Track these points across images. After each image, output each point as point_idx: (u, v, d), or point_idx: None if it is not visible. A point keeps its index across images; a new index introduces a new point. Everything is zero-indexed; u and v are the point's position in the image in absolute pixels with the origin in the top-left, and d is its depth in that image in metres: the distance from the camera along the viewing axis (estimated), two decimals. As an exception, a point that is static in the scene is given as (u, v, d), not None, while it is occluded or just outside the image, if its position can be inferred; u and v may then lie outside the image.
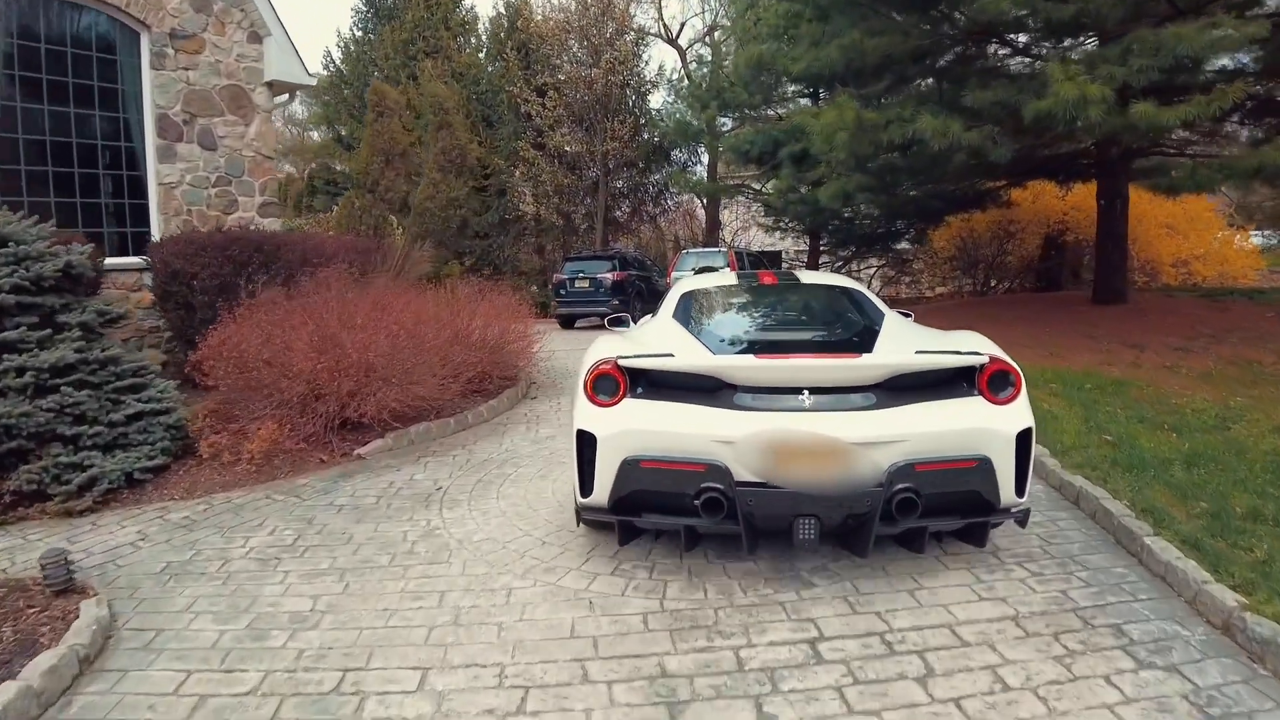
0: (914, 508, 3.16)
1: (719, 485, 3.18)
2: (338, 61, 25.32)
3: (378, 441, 6.15)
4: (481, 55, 24.41)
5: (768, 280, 4.93)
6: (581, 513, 3.61)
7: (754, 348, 3.79)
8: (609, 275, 16.29)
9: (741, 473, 3.20)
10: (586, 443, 3.40)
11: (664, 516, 3.44)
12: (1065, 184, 14.91)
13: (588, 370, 3.53)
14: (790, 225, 22.26)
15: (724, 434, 3.22)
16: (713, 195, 21.03)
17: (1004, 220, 18.78)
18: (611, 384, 3.46)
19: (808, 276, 5.10)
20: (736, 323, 4.46)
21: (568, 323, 16.83)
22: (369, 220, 10.54)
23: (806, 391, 3.31)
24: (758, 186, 20.93)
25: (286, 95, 10.99)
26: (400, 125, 11.06)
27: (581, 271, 16.52)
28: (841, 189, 10.70)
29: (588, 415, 3.44)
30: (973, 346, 3.57)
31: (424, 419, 6.67)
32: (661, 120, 22.36)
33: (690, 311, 4.40)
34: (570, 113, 21.31)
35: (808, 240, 22.04)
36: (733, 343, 3.91)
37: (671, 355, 3.51)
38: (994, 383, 3.40)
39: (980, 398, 3.39)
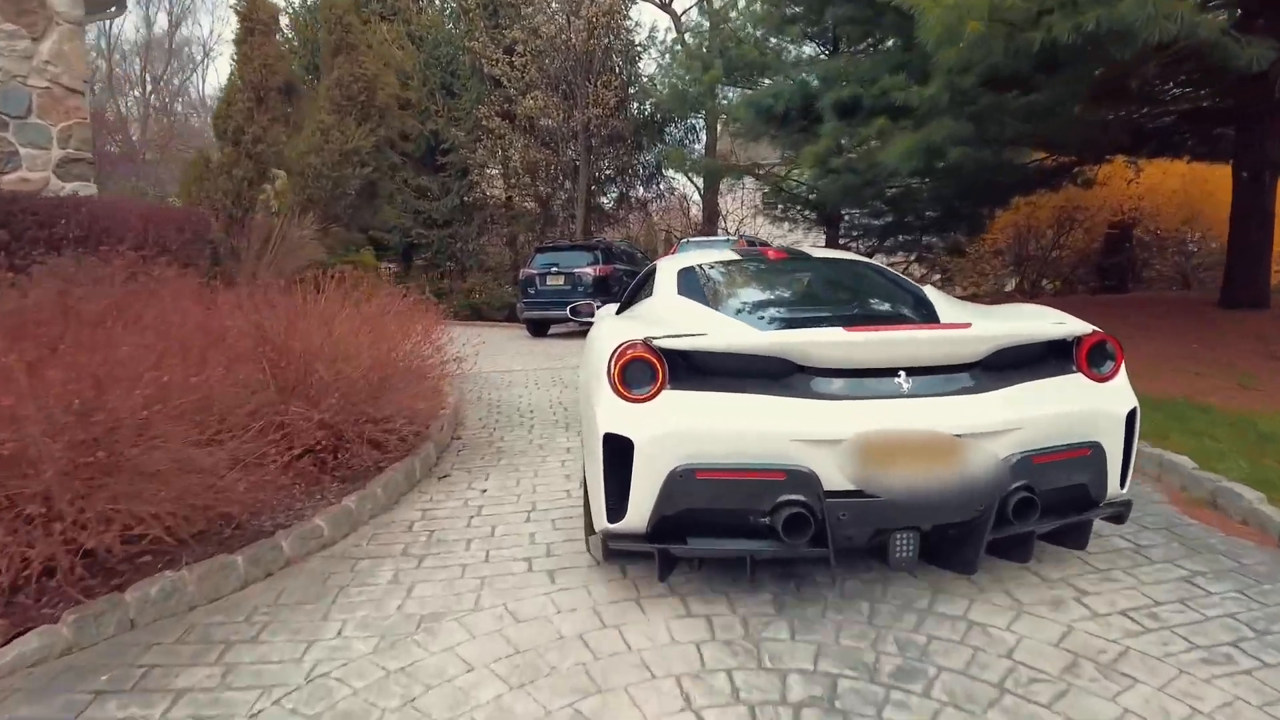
0: (1032, 509, 2.67)
1: (805, 498, 2.56)
2: (285, 30, 21.71)
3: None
4: (446, 15, 20.92)
5: (776, 255, 4.34)
6: (608, 543, 2.77)
7: (817, 323, 3.18)
8: (590, 270, 13.08)
9: (831, 480, 2.59)
10: (617, 450, 2.65)
11: (719, 541, 2.72)
12: (1184, 155, 11.61)
13: (613, 355, 2.74)
14: (802, 214, 18.96)
15: (812, 432, 2.60)
16: (714, 177, 17.57)
17: (1070, 206, 15.70)
18: (646, 371, 2.72)
19: (817, 251, 4.76)
20: (767, 299, 3.77)
21: (538, 329, 13.51)
22: (227, 185, 7.17)
23: (903, 373, 2.71)
24: (773, 161, 17.50)
25: (112, 6, 7.53)
26: (279, 49, 7.66)
27: (555, 265, 13.21)
28: (924, 142, 7.32)
29: (618, 414, 2.69)
30: (1057, 317, 3.14)
31: (217, 534, 3.32)
32: (654, 87, 18.93)
33: (700, 288, 3.71)
34: (545, 76, 17.83)
35: (824, 231, 18.73)
36: (779, 321, 3.31)
37: (704, 335, 2.84)
38: (1094, 357, 3.00)
39: (1080, 375, 2.98)
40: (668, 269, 4.07)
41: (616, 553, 2.83)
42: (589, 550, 3.30)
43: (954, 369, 2.82)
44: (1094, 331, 3.00)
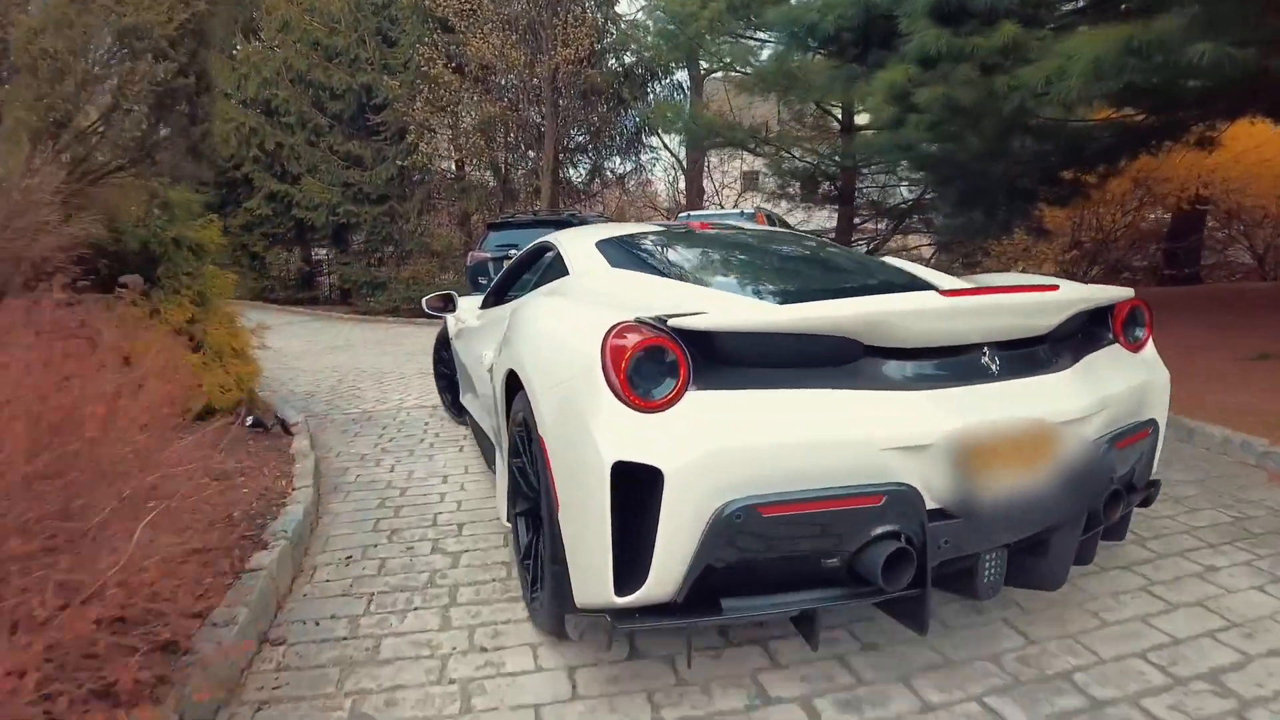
0: (1119, 501, 2.29)
1: (907, 526, 1.92)
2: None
3: None
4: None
5: (706, 227, 3.56)
6: (617, 621, 1.92)
7: (820, 295, 2.28)
8: None
9: (930, 496, 1.98)
10: (635, 486, 1.83)
11: (770, 598, 1.96)
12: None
13: (606, 343, 1.90)
14: (811, 192, 15.94)
15: (906, 435, 1.94)
16: (708, 139, 14.30)
17: (1146, 177, 12.92)
18: (663, 365, 1.89)
19: (748, 224, 4.35)
20: (745, 272, 2.96)
21: (492, 334, 10.31)
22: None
23: (987, 350, 2.16)
24: (776, 125, 14.41)
25: None
26: None
27: (515, 246, 9.93)
28: (1134, 41, 4.28)
29: (630, 432, 1.85)
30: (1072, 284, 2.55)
31: None
32: (636, 32, 15.63)
33: (642, 261, 2.92)
34: (501, 14, 14.40)
35: (836, 208, 15.73)
36: (788, 295, 2.56)
37: (746, 312, 2.16)
38: (1128, 325, 2.64)
39: (1118, 345, 2.60)
40: (578, 241, 3.22)
41: (627, 630, 2.18)
42: (535, 624, 2.31)
43: (1031, 342, 2.30)
44: (1130, 296, 2.58)
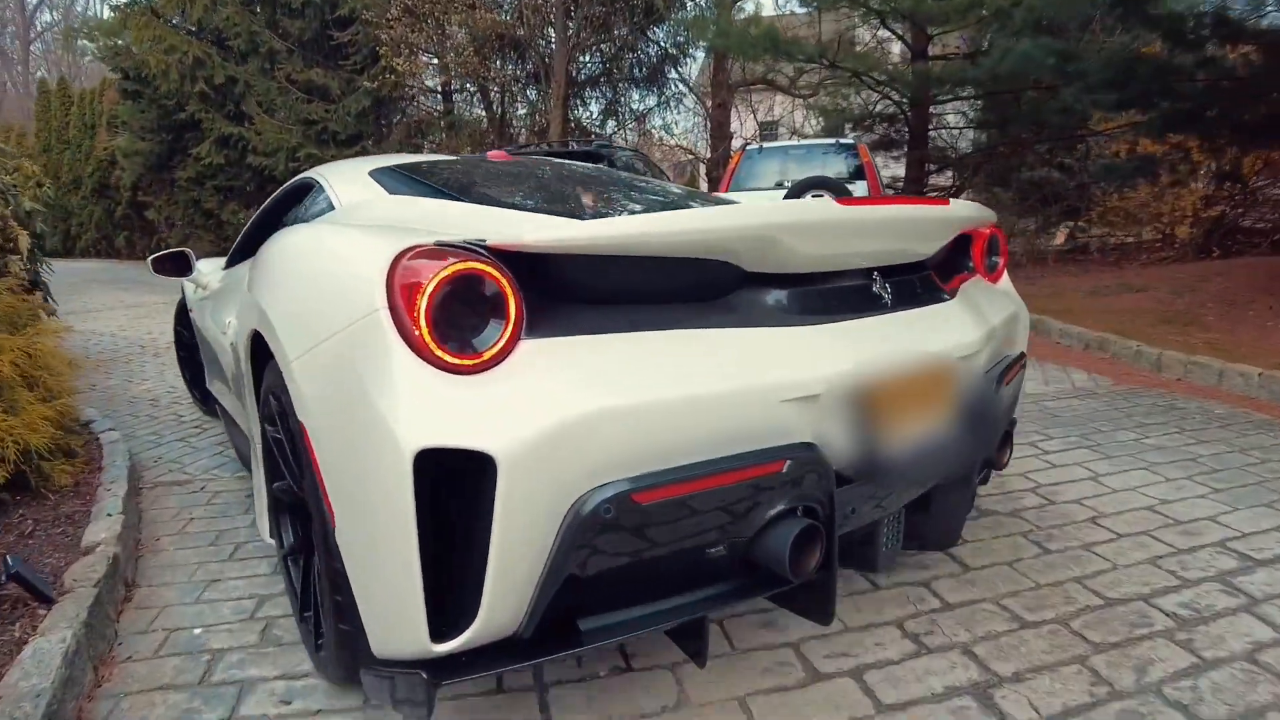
0: (1009, 442, 2.17)
1: (813, 497, 1.54)
2: None
3: None
4: None
5: (500, 157, 3.05)
6: (436, 676, 1.33)
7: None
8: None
9: (835, 455, 1.61)
10: (453, 482, 1.29)
11: (644, 608, 1.48)
12: None
13: (394, 277, 1.32)
14: (867, 131, 13.07)
15: (803, 379, 1.55)
16: (756, 54, 11.22)
17: None
18: (484, 302, 1.33)
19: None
20: (546, 197, 2.50)
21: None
22: None
23: (876, 275, 1.87)
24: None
25: None
26: None
27: (524, 187, 7.18)
28: None
29: (438, 403, 1.27)
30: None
31: None
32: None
33: (427, 185, 2.34)
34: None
35: (903, 154, 12.94)
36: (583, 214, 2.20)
37: (593, 221, 1.46)
38: (987, 253, 2.44)
39: (978, 276, 2.39)
40: (346, 171, 2.62)
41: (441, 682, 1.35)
42: (326, 678, 1.73)
43: (914, 268, 2.05)
44: (991, 220, 2.31)
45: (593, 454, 1.31)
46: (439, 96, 14.05)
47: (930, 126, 13.29)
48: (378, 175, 2.48)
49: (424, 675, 1.31)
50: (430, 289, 1.28)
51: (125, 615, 2.30)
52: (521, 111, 14.63)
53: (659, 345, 1.47)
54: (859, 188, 7.31)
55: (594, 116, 15.48)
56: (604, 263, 1.44)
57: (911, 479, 1.83)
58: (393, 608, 1.33)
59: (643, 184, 2.90)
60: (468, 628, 1.30)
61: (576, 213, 2.18)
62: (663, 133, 16.96)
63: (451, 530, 1.30)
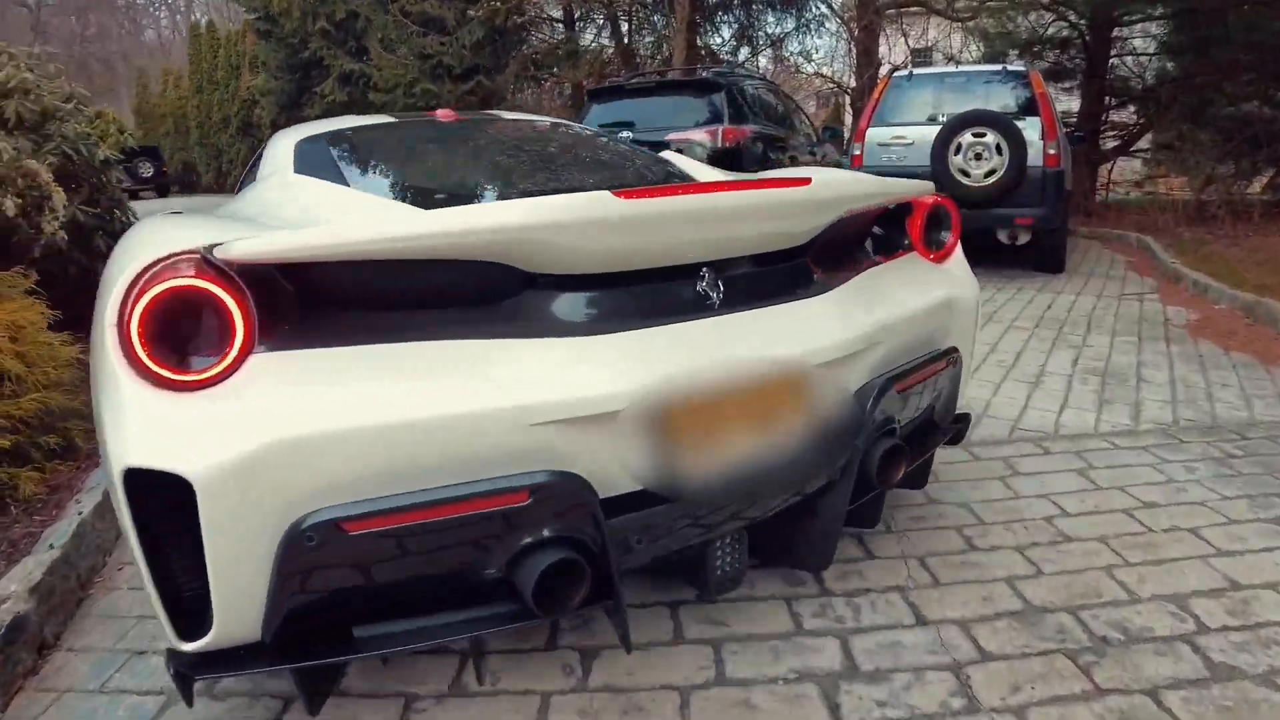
0: (899, 459, 1.82)
1: (570, 529, 1.45)
2: None
3: None
4: None
5: (450, 118, 2.79)
6: (190, 671, 1.39)
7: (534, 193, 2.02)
8: (700, 134, 6.40)
9: (611, 480, 1.50)
10: (162, 502, 1.31)
11: (424, 620, 1.47)
12: None
13: (130, 284, 1.32)
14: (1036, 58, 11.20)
15: (574, 399, 1.43)
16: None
17: None
18: (207, 317, 1.35)
19: (510, 114, 3.15)
20: (451, 173, 2.44)
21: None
22: None
23: (707, 272, 1.64)
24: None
25: None
26: None
27: (631, 122, 6.47)
28: None
29: (151, 422, 1.30)
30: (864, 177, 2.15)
31: None
32: None
33: (334, 161, 2.27)
34: None
35: (1078, 85, 11.08)
36: (477, 199, 2.08)
37: (336, 226, 1.43)
38: (930, 228, 2.21)
39: (915, 254, 2.19)
40: (281, 141, 2.52)
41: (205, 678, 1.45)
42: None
43: (778, 258, 1.79)
44: (929, 191, 2.16)
45: (307, 477, 1.29)
46: (559, 26, 13.22)
47: (1112, 52, 11.31)
48: (301, 147, 2.34)
49: (172, 667, 1.37)
50: (143, 306, 1.28)
51: (20, 697, 1.78)
52: (649, 39, 13.64)
53: (410, 359, 1.40)
54: (1029, 125, 5.99)
55: (725, 42, 14.25)
56: (360, 268, 1.39)
57: (733, 503, 1.64)
58: (152, 606, 1.38)
59: (589, 152, 2.61)
60: (209, 632, 1.34)
61: (474, 196, 2.01)
62: (800, 60, 15.43)
63: (177, 543, 1.33)
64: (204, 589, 1.30)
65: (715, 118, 6.58)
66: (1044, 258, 6.37)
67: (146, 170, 23.67)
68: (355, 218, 1.74)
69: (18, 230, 4.08)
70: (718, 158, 6.40)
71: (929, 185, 2.16)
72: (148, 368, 1.28)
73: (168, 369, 1.28)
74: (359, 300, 1.44)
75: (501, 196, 2.02)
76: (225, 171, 22.52)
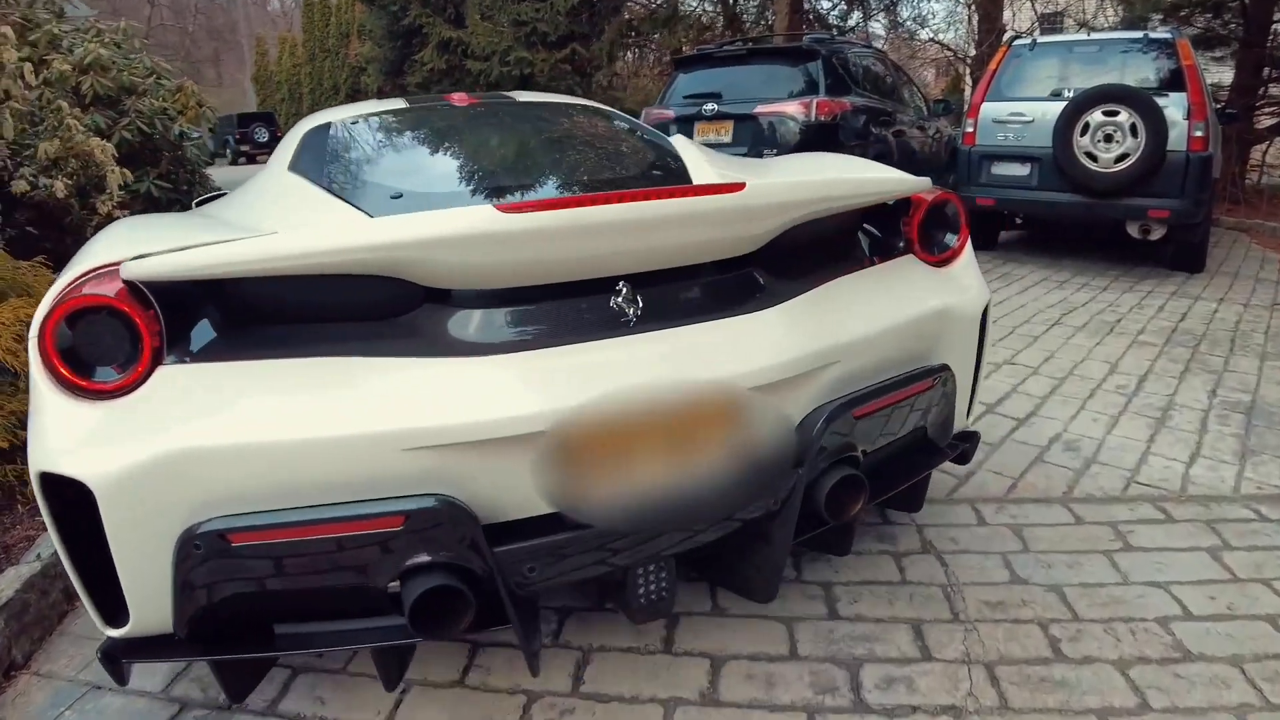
0: (856, 491, 1.68)
1: (450, 554, 1.44)
2: None
3: None
4: None
5: (467, 101, 2.68)
6: (119, 655, 1.50)
7: (484, 194, 1.97)
8: (794, 106, 5.91)
9: (501, 505, 1.50)
10: (70, 505, 1.40)
11: (340, 624, 1.54)
12: None
13: (55, 296, 1.43)
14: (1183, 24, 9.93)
15: (456, 425, 1.42)
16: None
17: None
18: (115, 332, 1.42)
19: (535, 96, 2.88)
20: (425, 166, 2.29)
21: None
22: None
23: (625, 286, 1.55)
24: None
25: None
26: None
27: (718, 93, 5.94)
28: None
29: (60, 430, 1.41)
30: (873, 169, 2.13)
31: None
32: None
33: (325, 157, 2.19)
34: None
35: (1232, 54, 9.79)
36: (427, 196, 1.92)
37: (273, 234, 1.48)
38: (929, 228, 2.02)
39: (913, 258, 2.00)
40: (297, 129, 2.44)
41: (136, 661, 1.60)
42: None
43: (716, 268, 1.66)
44: (930, 188, 1.96)
45: (199, 488, 1.36)
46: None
47: (1276, 16, 9.91)
48: (308, 137, 2.25)
49: (99, 651, 1.48)
50: (60, 318, 1.37)
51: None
52: (754, 3, 12.98)
53: (303, 375, 1.43)
54: (1173, 103, 5.18)
55: (834, 6, 13.41)
56: (264, 284, 1.44)
57: (651, 530, 1.54)
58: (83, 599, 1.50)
59: (589, 144, 2.47)
60: (129, 622, 1.44)
61: (434, 197, 1.91)
62: (915, 26, 14.39)
63: (90, 542, 1.39)
64: (117, 584, 1.40)
65: (810, 89, 6.06)
66: (1181, 254, 5.57)
67: (262, 135, 24.73)
68: (298, 230, 1.64)
69: (71, 211, 4.08)
70: (811, 132, 5.91)
71: (924, 181, 1.94)
72: (62, 376, 1.37)
73: (78, 380, 1.37)
74: (265, 315, 1.48)
75: (463, 198, 1.97)
76: (335, 137, 23.21)
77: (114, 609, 1.45)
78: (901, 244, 2.00)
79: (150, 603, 1.42)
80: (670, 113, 6.36)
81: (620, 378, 1.46)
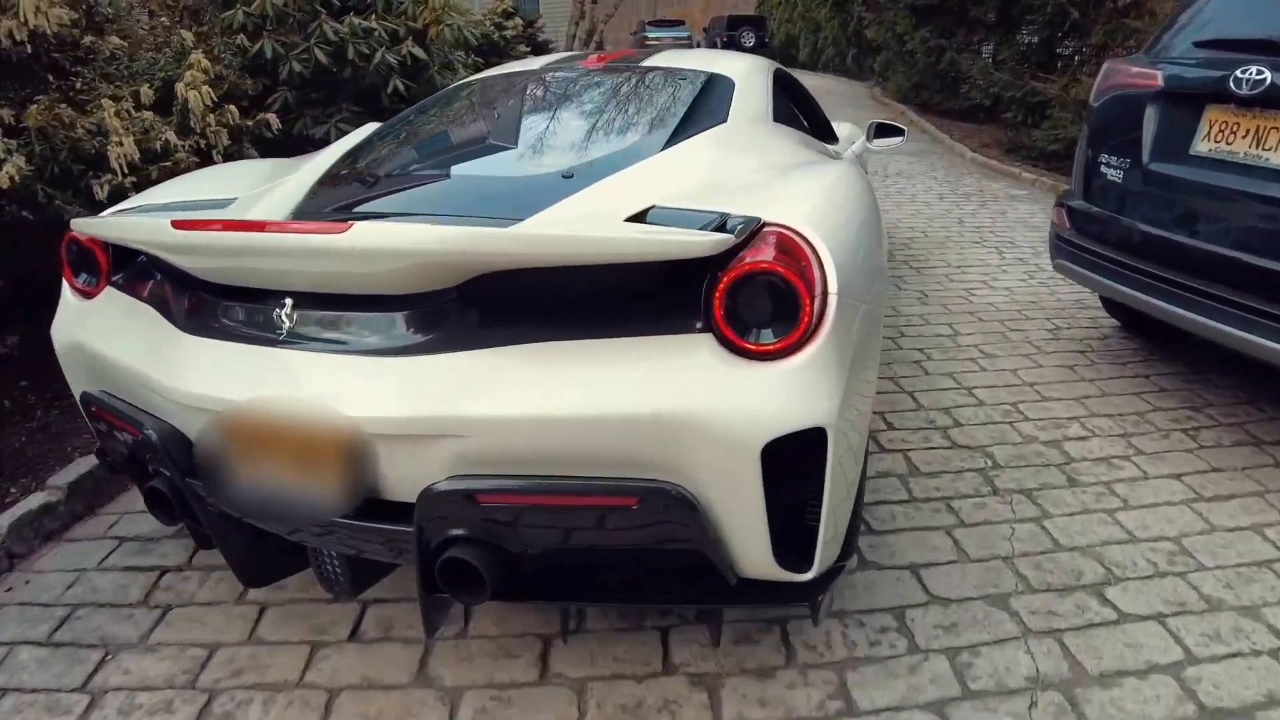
0: (464, 575, 1.62)
1: (163, 468, 1.81)
2: None
3: None
4: None
5: (597, 63, 2.92)
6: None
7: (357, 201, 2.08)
8: None
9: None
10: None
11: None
12: None
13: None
14: None
15: (155, 376, 1.77)
16: None
17: None
18: (86, 258, 2.03)
19: (681, 58, 2.93)
20: (435, 144, 2.53)
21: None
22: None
23: (289, 303, 1.67)
24: None
25: None
26: None
27: (1256, 51, 2.79)
28: None
29: (62, 307, 2.09)
30: (760, 204, 1.66)
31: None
32: None
33: (407, 122, 2.68)
34: None
35: None
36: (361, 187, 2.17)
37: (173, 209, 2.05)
38: (745, 302, 1.49)
39: (711, 339, 1.51)
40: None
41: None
42: None
43: (400, 303, 1.62)
44: (771, 229, 1.53)
45: (89, 364, 1.94)
46: None
47: None
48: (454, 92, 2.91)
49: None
50: (66, 240, 2.04)
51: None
52: None
53: (145, 317, 1.86)
54: None
55: None
56: (141, 248, 1.83)
57: (274, 521, 1.76)
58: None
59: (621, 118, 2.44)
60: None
61: (413, 173, 2.28)
62: None
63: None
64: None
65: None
66: None
67: (748, 39, 23.83)
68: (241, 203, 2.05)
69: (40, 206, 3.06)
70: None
71: (724, 238, 1.42)
72: (70, 279, 2.05)
73: (73, 284, 2.06)
74: (157, 270, 1.88)
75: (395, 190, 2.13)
76: (819, 49, 21.54)
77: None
78: (702, 323, 1.50)
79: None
80: (1156, 76, 3.19)
81: (257, 383, 1.60)
